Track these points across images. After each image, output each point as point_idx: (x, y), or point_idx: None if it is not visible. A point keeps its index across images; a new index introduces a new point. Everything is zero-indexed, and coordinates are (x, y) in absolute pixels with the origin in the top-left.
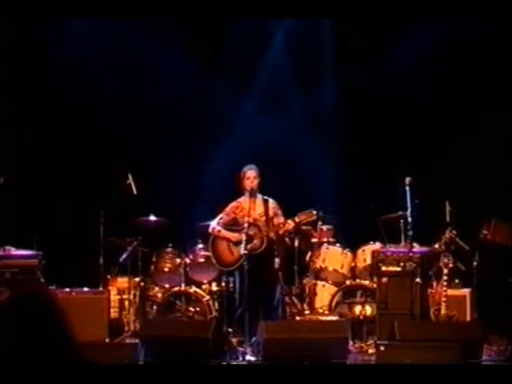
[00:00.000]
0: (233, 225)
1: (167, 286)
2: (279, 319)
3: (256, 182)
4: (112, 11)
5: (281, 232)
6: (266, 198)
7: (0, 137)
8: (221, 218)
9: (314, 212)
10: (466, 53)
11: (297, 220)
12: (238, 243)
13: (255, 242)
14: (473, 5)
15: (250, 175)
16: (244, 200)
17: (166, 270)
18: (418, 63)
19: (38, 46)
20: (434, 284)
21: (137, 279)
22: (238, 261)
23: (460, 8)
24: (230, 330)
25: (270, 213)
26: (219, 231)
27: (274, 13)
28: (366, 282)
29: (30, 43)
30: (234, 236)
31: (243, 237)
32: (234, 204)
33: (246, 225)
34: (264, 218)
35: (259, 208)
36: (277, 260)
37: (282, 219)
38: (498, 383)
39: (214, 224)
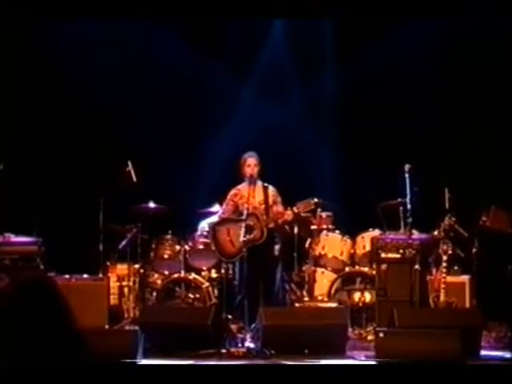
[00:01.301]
0: (234, 213)
1: (167, 272)
2: (280, 305)
3: (256, 169)
4: (112, 10)
5: (279, 222)
6: (265, 184)
7: (0, 123)
8: (223, 209)
9: (313, 201)
10: (465, 42)
11: (296, 210)
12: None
13: (255, 232)
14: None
15: (251, 162)
16: (243, 187)
17: (166, 256)
18: (418, 52)
19: (35, 33)
20: (434, 271)
21: (136, 266)
22: (239, 252)
23: (459, 6)
24: (230, 316)
25: (270, 200)
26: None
27: (273, 13)
28: (366, 269)
29: (28, 30)
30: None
31: (242, 225)
32: (232, 192)
33: (245, 212)
34: (263, 206)
35: (259, 195)
36: (277, 247)
37: (280, 208)
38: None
39: (220, 213)
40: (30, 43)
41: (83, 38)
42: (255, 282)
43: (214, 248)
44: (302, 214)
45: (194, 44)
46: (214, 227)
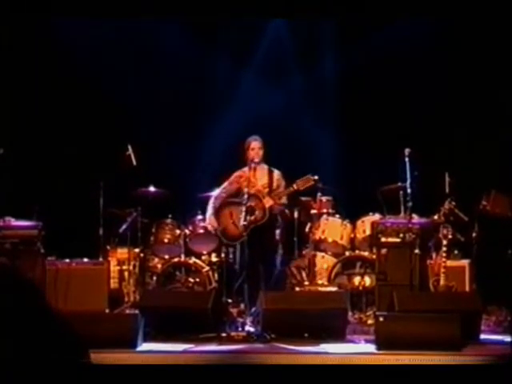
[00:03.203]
0: (237, 194)
1: (167, 256)
2: (280, 290)
3: (261, 152)
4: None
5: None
6: (271, 168)
7: (0, 107)
8: (224, 188)
9: (313, 177)
10: (467, 28)
11: (295, 187)
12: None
13: (257, 213)
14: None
15: (255, 146)
16: (248, 170)
17: (166, 240)
18: (419, 36)
19: (37, 17)
20: (433, 255)
21: (136, 250)
22: (243, 234)
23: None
24: (230, 300)
25: (274, 184)
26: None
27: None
28: (366, 253)
29: (28, 13)
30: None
31: (243, 208)
32: (237, 173)
33: (245, 196)
34: (267, 190)
35: (263, 179)
36: (278, 231)
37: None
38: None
39: (215, 194)
40: (31, 32)
41: (85, 26)
42: (256, 265)
43: (218, 231)
44: (302, 198)
45: (195, 29)
46: (217, 211)
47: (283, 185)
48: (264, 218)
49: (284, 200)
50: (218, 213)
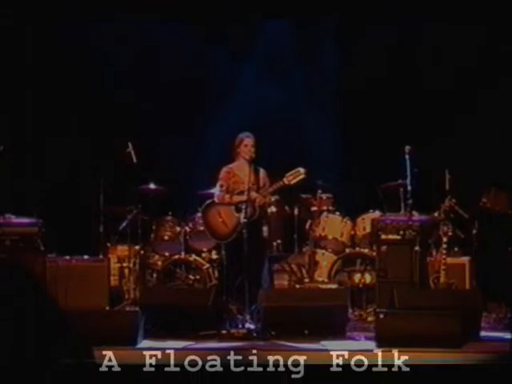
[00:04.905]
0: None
1: (167, 254)
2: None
3: (253, 150)
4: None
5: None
6: (257, 167)
7: (1, 104)
8: (222, 186)
9: (302, 170)
10: (467, 24)
11: (285, 182)
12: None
13: (248, 209)
14: None
15: (249, 143)
16: (236, 166)
17: (166, 238)
18: (419, 32)
19: (39, 17)
20: (434, 252)
21: (137, 247)
22: (233, 232)
23: None
24: (230, 297)
25: (261, 183)
26: (230, 197)
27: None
28: (366, 251)
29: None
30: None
31: (243, 205)
32: (225, 170)
33: (245, 193)
34: (255, 187)
35: (251, 176)
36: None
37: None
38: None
39: (218, 193)
40: (32, 31)
41: (85, 24)
42: (251, 262)
43: (206, 232)
44: (303, 195)
45: (195, 27)
46: (204, 211)
47: (268, 183)
48: (255, 214)
49: (270, 198)
50: (205, 214)
